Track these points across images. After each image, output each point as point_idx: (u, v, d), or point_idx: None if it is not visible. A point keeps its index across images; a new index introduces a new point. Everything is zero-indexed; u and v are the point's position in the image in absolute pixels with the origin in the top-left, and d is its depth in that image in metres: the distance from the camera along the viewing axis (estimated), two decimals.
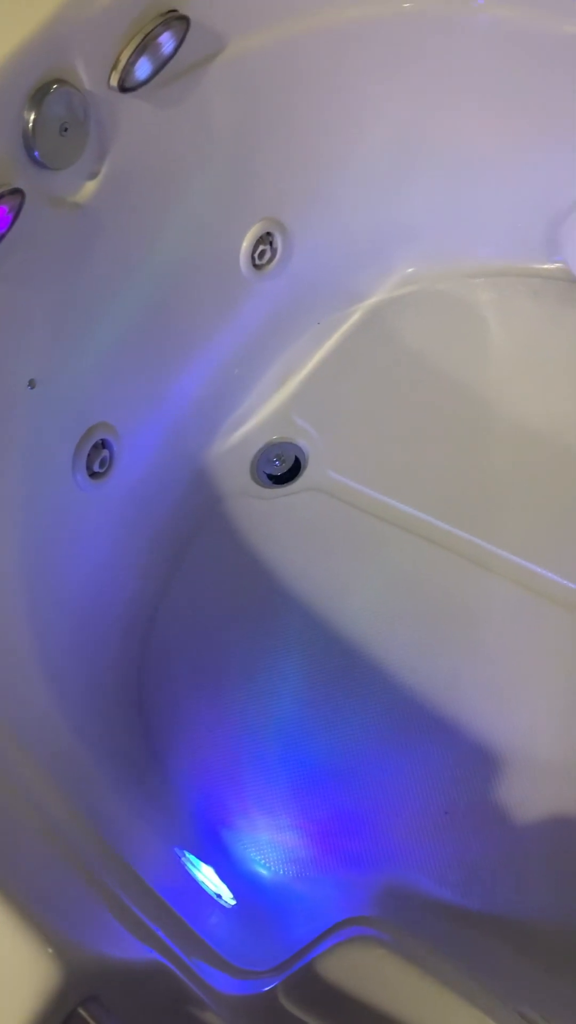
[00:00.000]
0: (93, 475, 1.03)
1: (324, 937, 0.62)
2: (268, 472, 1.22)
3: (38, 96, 0.79)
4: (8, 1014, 0.42)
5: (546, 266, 1.24)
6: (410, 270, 1.27)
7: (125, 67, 0.84)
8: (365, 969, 0.56)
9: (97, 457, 1.03)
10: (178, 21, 0.87)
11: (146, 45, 0.85)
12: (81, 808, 0.74)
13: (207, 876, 0.90)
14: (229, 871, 0.95)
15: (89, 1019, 0.44)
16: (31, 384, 0.90)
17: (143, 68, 0.86)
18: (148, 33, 0.85)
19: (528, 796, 0.95)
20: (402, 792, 0.97)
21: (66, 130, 0.83)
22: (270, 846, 0.97)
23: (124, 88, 0.86)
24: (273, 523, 1.17)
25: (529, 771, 0.97)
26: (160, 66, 0.88)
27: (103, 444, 1.04)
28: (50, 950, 0.43)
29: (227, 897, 0.89)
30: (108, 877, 0.61)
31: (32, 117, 0.79)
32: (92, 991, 0.45)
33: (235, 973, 0.63)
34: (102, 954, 0.47)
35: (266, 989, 0.58)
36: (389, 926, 0.61)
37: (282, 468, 1.22)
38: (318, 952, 0.58)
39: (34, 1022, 0.42)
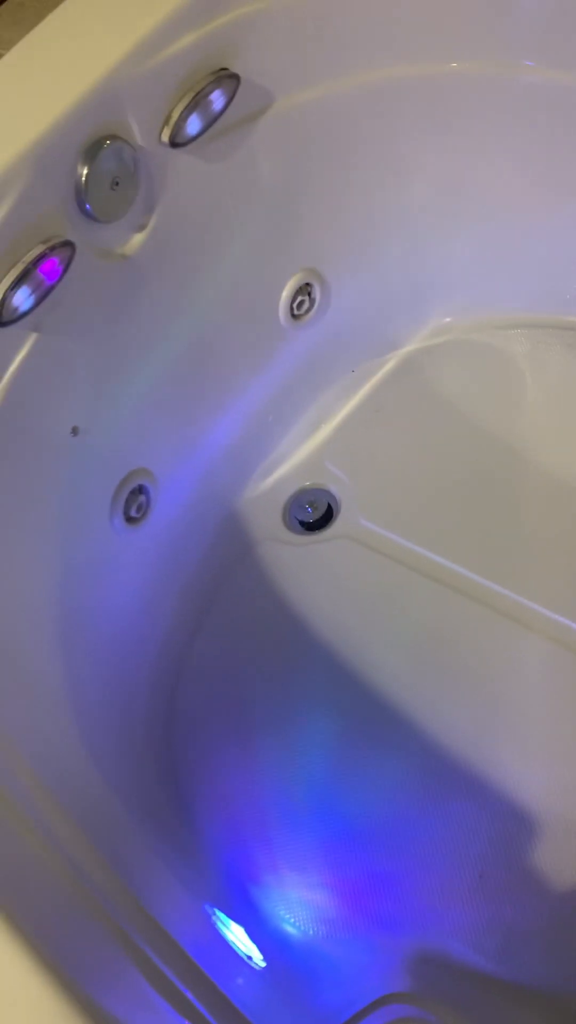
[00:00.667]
0: (129, 520, 1.03)
1: (364, 1014, 0.60)
2: (300, 519, 1.22)
3: (92, 151, 0.81)
4: None
5: None
6: (446, 320, 1.28)
7: (177, 123, 0.86)
8: None
9: (134, 502, 1.03)
10: (229, 79, 0.89)
11: (197, 102, 0.86)
12: (112, 864, 0.73)
13: (237, 936, 0.88)
14: (258, 930, 0.92)
15: None
16: (74, 431, 0.90)
17: (194, 124, 0.88)
18: (200, 91, 0.86)
19: (565, 859, 0.93)
20: (435, 852, 0.95)
21: (117, 184, 0.84)
22: (300, 904, 0.95)
23: (175, 144, 0.87)
24: (304, 570, 1.17)
25: (566, 832, 0.94)
26: (210, 122, 0.89)
27: (140, 490, 1.04)
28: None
29: (257, 959, 0.87)
30: (140, 937, 0.60)
31: (85, 172, 0.81)
32: None
33: None
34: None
35: None
36: (431, 1003, 0.59)
37: (314, 515, 1.22)
38: None
39: None
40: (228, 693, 1.09)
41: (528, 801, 0.96)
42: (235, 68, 0.89)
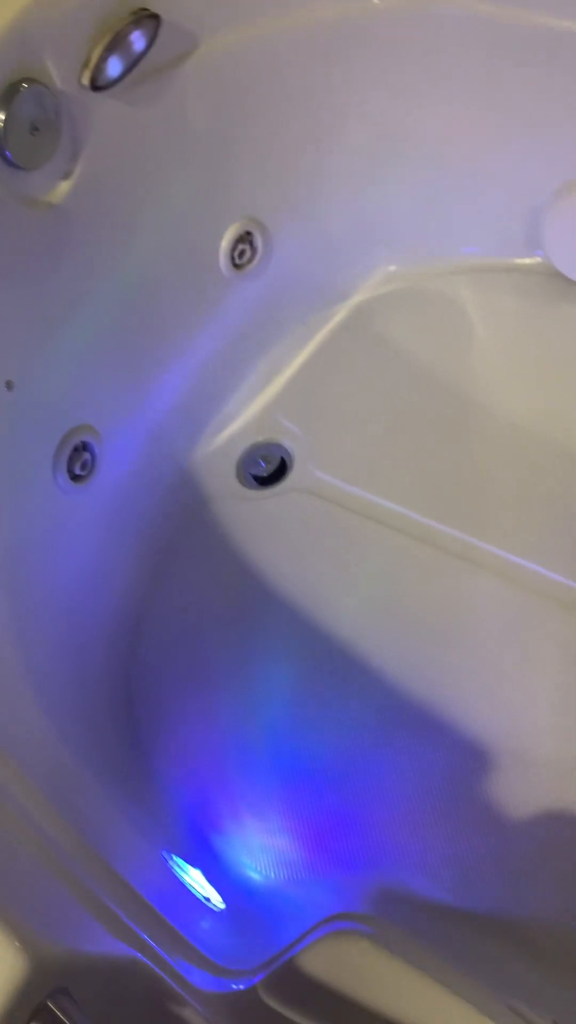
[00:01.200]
0: (75, 478, 1.02)
1: (308, 934, 0.60)
2: (254, 473, 1.22)
3: (8, 95, 0.79)
4: None
5: (527, 261, 1.24)
6: (392, 268, 1.27)
7: (96, 65, 0.84)
8: (348, 963, 0.55)
9: (78, 460, 1.02)
10: (149, 19, 0.87)
11: (117, 43, 0.85)
12: (62, 811, 0.73)
13: (196, 880, 0.89)
14: (219, 875, 0.93)
15: (57, 1012, 0.42)
16: (8, 385, 0.89)
17: (114, 66, 0.86)
18: (119, 31, 0.85)
19: (520, 793, 0.94)
20: (394, 791, 0.96)
21: (37, 129, 0.83)
22: (261, 850, 0.96)
23: (96, 87, 0.86)
24: (260, 524, 1.17)
25: (521, 768, 0.95)
26: (132, 64, 0.88)
27: (84, 447, 1.03)
28: (17, 943, 0.42)
29: (216, 901, 0.88)
30: (86, 876, 0.60)
31: (2, 117, 0.79)
32: (61, 984, 0.44)
33: (218, 972, 0.62)
34: (72, 948, 0.46)
35: (248, 986, 0.57)
36: (374, 921, 0.60)
37: (268, 469, 1.21)
38: (299, 948, 0.57)
39: (0, 1016, 0.41)
40: (186, 647, 1.09)
41: (484, 738, 0.97)
42: (155, 8, 0.88)
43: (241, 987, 0.57)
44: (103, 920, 0.55)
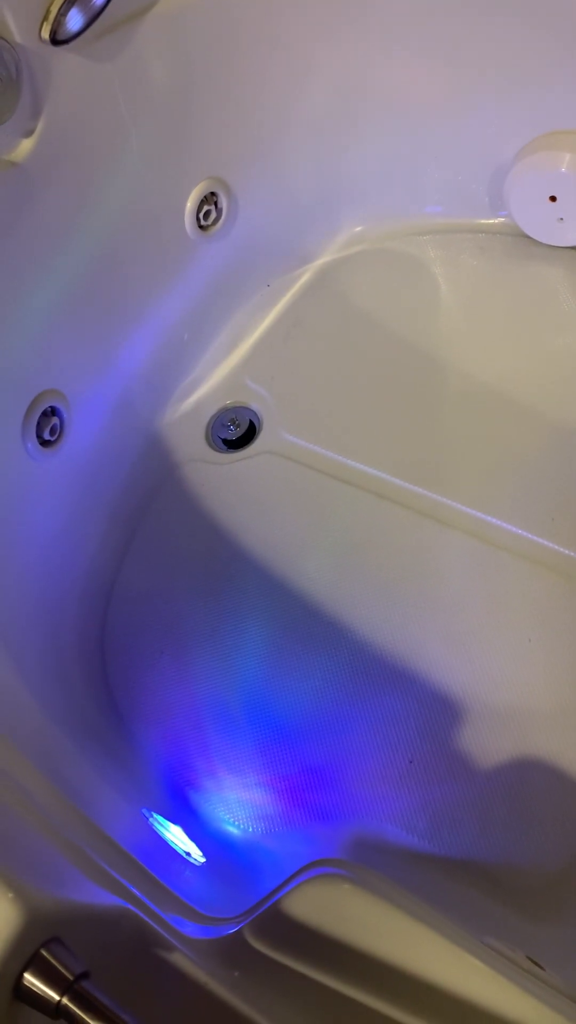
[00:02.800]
0: (44, 443, 1.02)
1: (290, 880, 0.62)
2: (223, 437, 1.22)
3: None
4: None
5: (491, 221, 1.24)
6: (358, 229, 1.27)
7: (56, 18, 0.83)
8: (331, 905, 0.57)
9: (47, 425, 1.02)
10: None
11: None
12: (44, 772, 0.74)
13: (176, 836, 0.91)
14: (198, 831, 0.95)
15: (52, 960, 0.44)
16: None
17: (75, 20, 0.84)
18: None
19: (489, 742, 0.97)
20: (367, 744, 0.98)
21: None
22: (238, 804, 0.97)
23: (56, 40, 0.84)
24: (230, 487, 1.17)
25: (490, 718, 0.98)
26: (92, 17, 0.86)
27: (53, 411, 1.02)
28: (10, 894, 0.43)
29: (196, 855, 0.90)
30: (70, 833, 0.61)
31: None
32: (54, 933, 0.45)
33: (202, 920, 0.64)
34: (63, 898, 0.47)
35: (233, 931, 0.59)
36: (353, 866, 0.62)
37: (237, 433, 1.22)
38: (282, 893, 0.59)
39: None
40: (159, 610, 1.10)
41: (454, 690, 1.00)
42: None
43: (227, 932, 0.59)
44: (90, 874, 0.56)
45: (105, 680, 1.05)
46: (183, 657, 1.06)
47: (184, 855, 0.88)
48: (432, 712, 0.99)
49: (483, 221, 1.25)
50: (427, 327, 1.22)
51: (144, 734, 1.02)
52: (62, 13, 0.83)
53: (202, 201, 1.11)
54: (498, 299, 1.22)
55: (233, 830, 0.97)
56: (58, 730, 0.92)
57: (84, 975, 0.44)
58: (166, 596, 1.11)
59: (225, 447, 1.21)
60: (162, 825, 0.91)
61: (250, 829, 0.96)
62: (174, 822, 0.92)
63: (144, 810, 0.92)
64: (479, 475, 1.11)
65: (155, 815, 0.92)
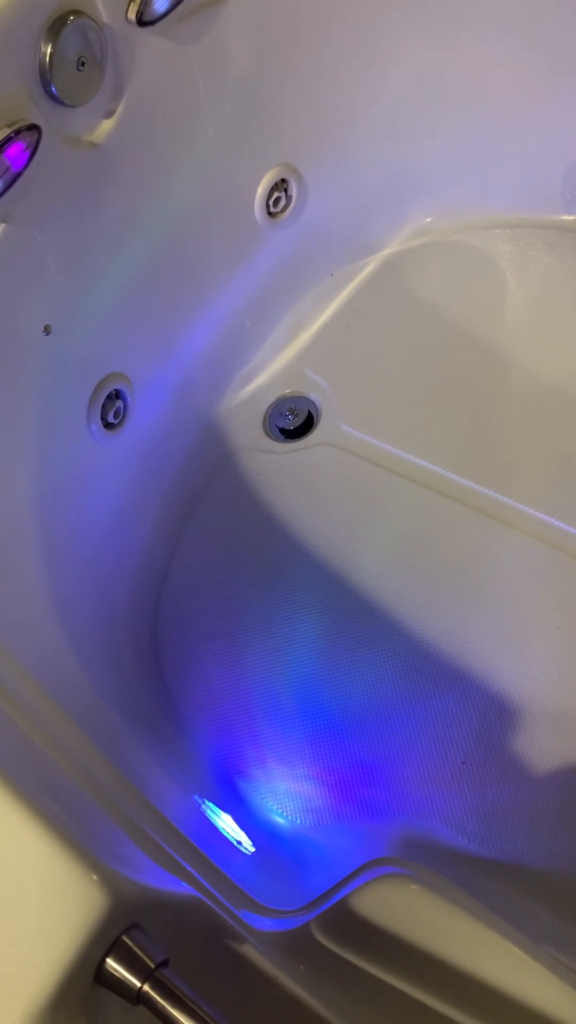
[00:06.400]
0: (108, 426, 1.02)
1: (353, 877, 0.62)
2: (280, 426, 1.21)
3: (55, 28, 0.77)
4: (57, 941, 0.41)
5: (563, 218, 1.22)
6: (426, 220, 1.25)
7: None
8: (398, 905, 0.56)
9: (112, 408, 1.02)
10: None
11: None
12: (105, 752, 0.74)
13: (227, 824, 0.91)
14: (247, 820, 0.95)
15: (133, 946, 0.44)
16: (46, 330, 0.88)
17: (161, 2, 0.84)
18: None
19: (544, 746, 0.95)
20: (419, 742, 0.97)
21: (83, 65, 0.80)
22: (287, 796, 0.97)
23: (142, 22, 0.83)
24: (286, 477, 1.17)
25: (545, 721, 0.97)
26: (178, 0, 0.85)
27: (117, 395, 1.02)
28: (95, 877, 0.43)
29: (247, 844, 0.90)
30: (137, 817, 0.61)
31: (49, 50, 0.77)
32: (135, 919, 0.45)
33: (265, 912, 0.64)
34: (144, 884, 0.47)
35: (299, 925, 0.59)
36: (418, 867, 0.61)
37: (295, 422, 1.21)
38: (349, 890, 0.58)
39: (82, 948, 0.42)
40: (213, 597, 1.10)
41: (509, 691, 0.99)
42: None
43: (291, 926, 0.59)
44: (162, 861, 0.56)
45: (157, 663, 1.05)
46: (235, 645, 1.06)
47: (236, 844, 0.88)
48: (487, 714, 0.97)
49: (555, 218, 1.23)
50: (493, 322, 1.20)
51: (194, 719, 1.02)
52: None
53: (273, 188, 1.11)
54: (567, 297, 1.20)
55: (281, 821, 0.97)
56: (112, 711, 0.93)
57: (164, 963, 0.44)
58: (219, 583, 1.10)
59: (283, 436, 1.20)
60: (214, 812, 0.91)
61: (298, 821, 0.96)
62: (224, 810, 0.92)
63: (196, 796, 0.92)
64: (543, 475, 1.09)
65: (207, 802, 0.92)
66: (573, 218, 1.21)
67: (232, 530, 1.15)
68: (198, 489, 1.17)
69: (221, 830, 0.88)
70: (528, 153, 1.19)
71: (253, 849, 0.90)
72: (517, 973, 0.56)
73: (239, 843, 0.89)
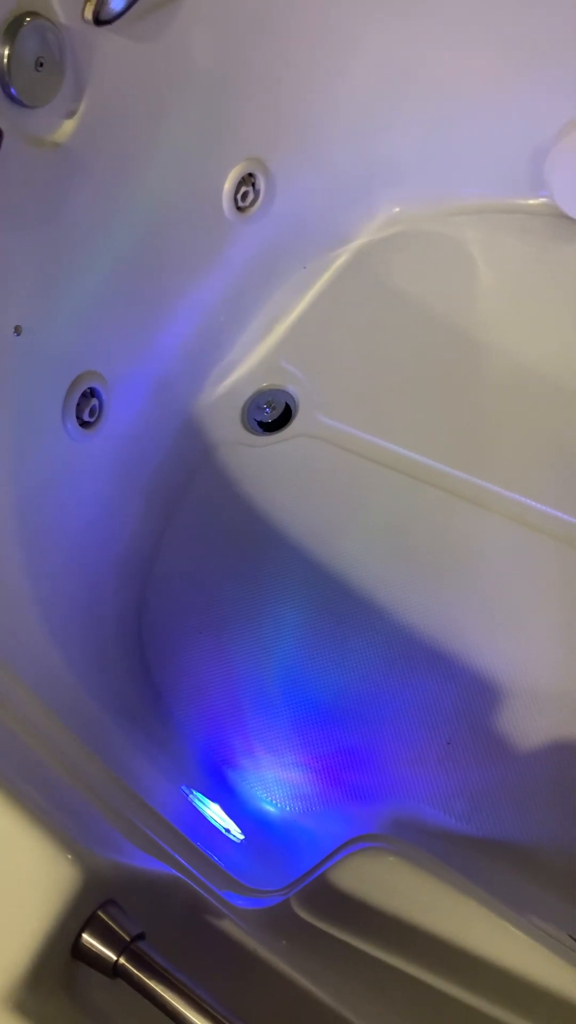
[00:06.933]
0: (84, 424, 1.03)
1: (334, 854, 0.63)
2: (259, 419, 1.22)
3: (11, 30, 0.77)
4: (31, 916, 0.42)
5: (531, 201, 1.23)
6: (396, 210, 1.26)
7: None
8: (378, 877, 0.57)
9: (87, 406, 1.02)
10: None
11: None
12: (90, 745, 0.75)
13: (215, 813, 0.91)
14: (236, 809, 0.96)
15: (109, 921, 0.44)
16: (17, 330, 0.89)
17: (117, 0, 0.84)
18: None
19: (528, 724, 0.96)
20: (405, 725, 0.98)
21: (41, 65, 0.81)
22: (276, 784, 0.98)
23: (99, 20, 0.84)
24: (266, 470, 1.17)
25: (528, 700, 0.98)
26: None
27: (92, 393, 1.03)
28: (69, 856, 0.44)
29: (235, 832, 0.90)
30: (119, 804, 0.62)
31: (6, 52, 0.78)
32: (110, 895, 0.45)
33: (248, 892, 0.64)
34: (120, 863, 0.47)
35: (279, 901, 0.59)
36: (397, 841, 0.62)
37: (272, 415, 1.22)
38: (328, 865, 0.59)
39: (56, 923, 0.42)
40: (197, 591, 1.11)
41: (493, 672, 0.99)
42: None
43: (273, 903, 0.60)
44: (141, 844, 0.57)
45: (143, 659, 1.06)
46: (220, 637, 1.07)
47: (224, 832, 0.89)
48: (471, 694, 0.98)
49: (523, 202, 1.24)
50: (466, 308, 1.21)
51: (182, 712, 1.03)
52: None
53: (240, 182, 1.11)
54: (538, 280, 1.21)
55: (271, 809, 0.97)
56: (98, 707, 0.94)
57: (140, 936, 0.44)
58: (203, 576, 1.11)
59: (261, 429, 1.21)
60: (202, 802, 0.92)
61: (287, 808, 0.97)
62: (213, 800, 0.93)
63: (184, 787, 0.93)
64: (519, 458, 1.10)
65: (195, 792, 0.93)
66: (541, 201, 1.22)
67: (214, 524, 1.15)
68: (179, 484, 1.17)
69: (209, 819, 0.89)
70: (493, 139, 1.20)
71: (242, 837, 0.91)
72: (496, 939, 0.57)
73: (227, 831, 0.90)
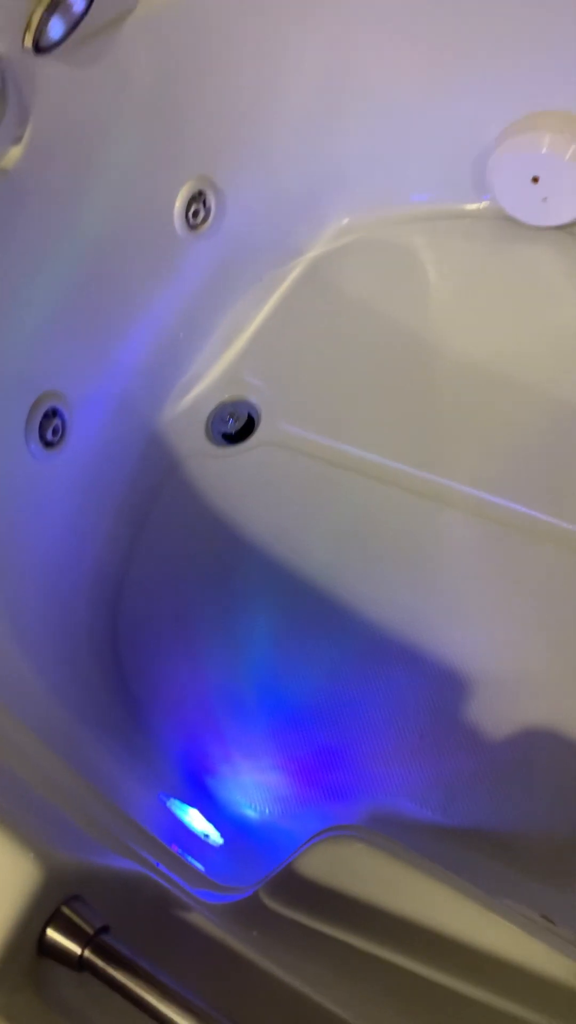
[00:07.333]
0: (47, 444, 1.04)
1: (303, 846, 0.64)
2: (223, 431, 1.24)
3: None
4: None
5: (476, 205, 1.26)
6: (345, 221, 1.29)
7: (38, 27, 0.85)
8: (343, 863, 0.59)
9: (49, 426, 1.04)
10: None
11: (56, 4, 0.85)
12: (65, 758, 0.76)
13: (194, 819, 0.92)
14: (216, 815, 0.97)
15: (73, 915, 0.45)
16: None
17: (56, 28, 0.87)
18: None
19: (499, 714, 0.98)
20: (378, 722, 1.00)
21: None
22: (254, 788, 0.99)
23: (39, 49, 0.86)
24: (232, 480, 1.19)
25: (498, 690, 0.99)
26: (73, 25, 0.88)
27: (54, 413, 1.04)
28: (31, 854, 0.45)
29: (214, 837, 0.91)
30: (88, 807, 0.63)
31: None
32: (74, 891, 0.46)
33: (219, 889, 0.65)
34: (84, 859, 0.48)
35: (249, 894, 0.60)
36: (361, 828, 0.63)
37: (236, 426, 1.24)
38: (295, 855, 0.60)
39: (18, 920, 0.43)
40: (169, 602, 1.12)
41: (461, 665, 1.01)
42: None
43: (244, 896, 0.61)
44: (110, 844, 0.58)
45: (119, 671, 1.07)
46: (194, 646, 1.08)
47: (202, 837, 0.90)
48: (441, 688, 1.00)
49: (468, 206, 1.27)
50: (419, 313, 1.24)
51: (159, 723, 1.04)
52: (43, 22, 0.85)
53: (190, 200, 1.14)
54: (488, 282, 1.24)
55: (250, 813, 0.98)
56: (76, 721, 0.94)
57: (104, 929, 0.46)
58: (175, 587, 1.12)
59: (225, 441, 1.23)
60: (180, 809, 0.93)
61: (267, 811, 0.98)
62: (193, 806, 0.94)
63: (162, 795, 0.94)
64: (478, 455, 1.12)
65: (173, 800, 0.94)
66: (485, 205, 1.25)
67: (184, 536, 1.17)
68: (147, 499, 1.19)
69: (188, 825, 0.90)
70: (436, 146, 1.23)
71: (221, 841, 0.92)
72: (463, 917, 0.58)
73: (206, 836, 0.91)
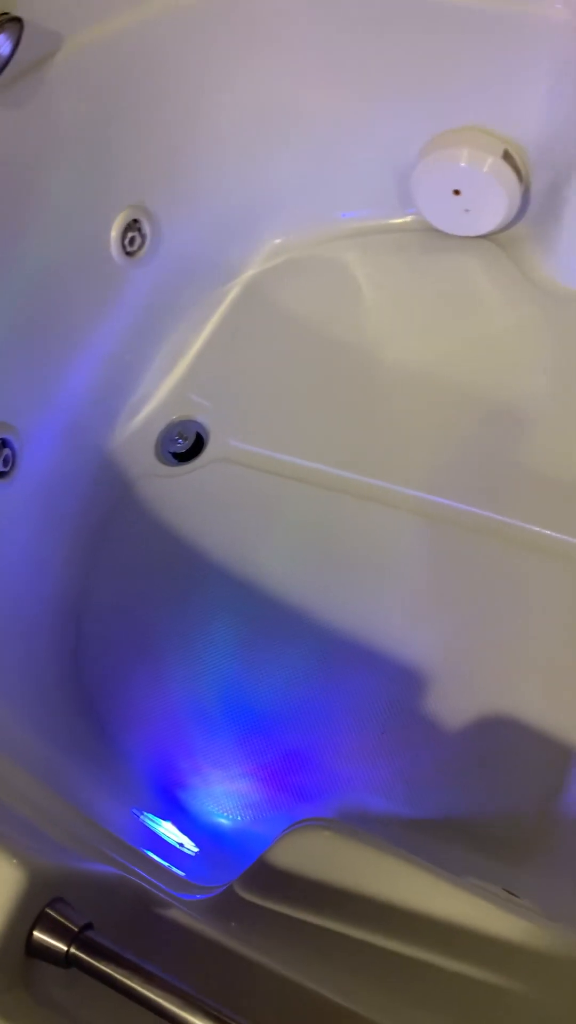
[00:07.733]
0: None
1: (275, 840, 0.66)
2: (172, 451, 1.26)
3: None
4: None
5: (403, 220, 1.31)
6: (278, 240, 1.33)
7: None
8: (314, 851, 0.61)
9: None
10: (12, 23, 0.90)
11: None
12: (36, 775, 0.77)
13: (168, 830, 0.94)
14: (190, 826, 0.99)
15: (57, 916, 0.47)
16: None
17: None
18: None
19: (456, 705, 1.02)
20: (340, 723, 1.03)
21: None
22: (225, 796, 1.01)
23: None
24: (185, 498, 1.22)
25: (454, 683, 1.03)
26: (0, 68, 0.91)
27: (3, 443, 1.06)
28: (14, 860, 0.47)
29: (189, 846, 0.93)
30: (66, 822, 0.65)
31: None
32: (57, 894, 0.49)
33: (195, 889, 0.68)
34: (64, 864, 0.51)
35: (224, 889, 0.63)
36: (329, 820, 0.66)
37: (185, 445, 1.26)
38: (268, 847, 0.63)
39: (5, 923, 0.45)
40: (130, 622, 1.14)
41: (417, 660, 1.05)
42: (17, 11, 0.91)
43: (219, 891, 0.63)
44: (87, 853, 0.60)
45: (84, 692, 1.09)
46: (157, 663, 1.10)
47: (177, 846, 0.92)
48: (399, 685, 1.04)
49: (396, 220, 1.32)
50: (357, 326, 1.28)
51: (127, 740, 1.05)
52: None
53: (126, 228, 1.17)
54: (420, 292, 1.29)
55: (223, 821, 1.01)
56: (46, 744, 0.96)
57: (88, 926, 0.48)
58: (135, 606, 1.15)
59: (176, 460, 1.26)
60: (154, 823, 0.95)
61: (238, 818, 1.00)
62: (165, 819, 0.96)
63: (134, 810, 0.96)
64: (420, 458, 1.17)
65: (146, 814, 0.96)
66: (411, 218, 1.31)
67: (140, 556, 1.19)
68: (102, 522, 1.21)
69: (163, 836, 0.92)
70: (361, 164, 1.28)
71: (196, 850, 0.94)
72: (431, 894, 0.61)
73: (181, 845, 0.93)
